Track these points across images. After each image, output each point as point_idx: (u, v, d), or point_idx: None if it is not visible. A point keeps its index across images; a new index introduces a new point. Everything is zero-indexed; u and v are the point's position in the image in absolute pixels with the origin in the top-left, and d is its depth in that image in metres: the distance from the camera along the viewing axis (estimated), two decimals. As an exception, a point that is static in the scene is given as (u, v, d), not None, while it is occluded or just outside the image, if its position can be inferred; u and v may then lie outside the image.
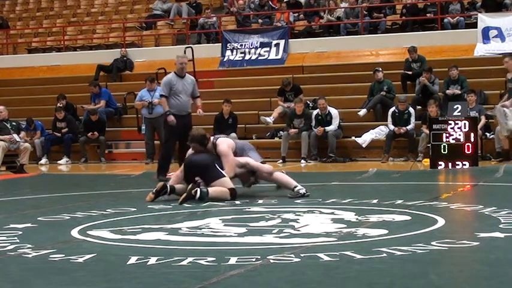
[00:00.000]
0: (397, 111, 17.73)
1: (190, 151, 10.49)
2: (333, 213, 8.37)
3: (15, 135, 16.75)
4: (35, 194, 11.63)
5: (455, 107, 15.36)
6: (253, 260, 5.75)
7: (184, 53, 21.42)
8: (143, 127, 18.89)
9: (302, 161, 17.66)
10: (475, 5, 22.59)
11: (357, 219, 7.90)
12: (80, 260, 5.96)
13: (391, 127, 17.62)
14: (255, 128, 19.63)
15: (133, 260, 5.87)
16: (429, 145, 14.99)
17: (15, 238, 7.13)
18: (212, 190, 9.84)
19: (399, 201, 9.27)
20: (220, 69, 23.13)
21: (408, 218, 7.93)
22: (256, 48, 23.09)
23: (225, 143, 10.36)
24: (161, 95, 13.27)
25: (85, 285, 5.21)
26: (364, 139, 18.04)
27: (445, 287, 5.00)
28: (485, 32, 20.87)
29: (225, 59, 23.26)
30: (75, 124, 20.53)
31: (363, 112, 18.75)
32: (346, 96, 19.96)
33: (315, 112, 18.27)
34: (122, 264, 5.78)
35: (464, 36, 21.22)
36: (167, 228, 7.51)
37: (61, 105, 20.72)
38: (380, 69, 19.27)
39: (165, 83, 13.02)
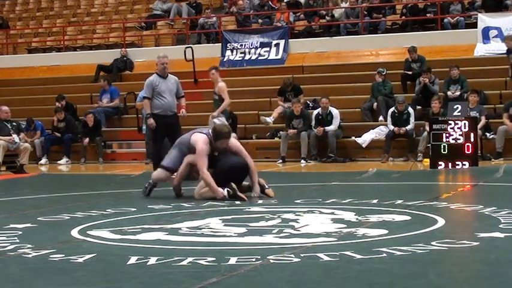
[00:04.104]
0: (396, 111, 17.74)
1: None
2: (333, 213, 8.36)
3: (14, 136, 16.75)
4: (35, 194, 11.62)
5: (455, 107, 15.35)
6: (253, 260, 5.75)
7: (185, 53, 21.47)
8: (144, 127, 18.88)
9: (302, 161, 17.66)
10: (474, 5, 22.58)
11: (356, 219, 7.89)
12: (80, 260, 5.96)
13: (391, 127, 17.62)
14: (255, 128, 19.63)
15: (133, 260, 5.87)
16: (429, 145, 14.99)
17: (15, 238, 7.12)
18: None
19: (399, 201, 9.26)
20: (220, 69, 23.08)
21: (408, 218, 7.93)
22: (256, 48, 23.09)
23: (235, 139, 10.66)
24: (144, 97, 13.19)
25: (85, 285, 5.21)
26: (364, 139, 18.05)
27: (445, 287, 5.00)
28: (485, 32, 20.88)
29: (225, 59, 23.26)
30: (75, 124, 20.56)
31: None
32: (346, 96, 19.96)
33: (315, 111, 18.28)
34: (122, 264, 5.77)
35: (464, 36, 21.22)
36: (167, 228, 7.51)
37: (60, 106, 20.74)
38: (383, 72, 19.21)
39: (147, 85, 12.95)
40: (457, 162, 14.33)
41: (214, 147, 10.16)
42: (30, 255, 6.22)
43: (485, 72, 19.68)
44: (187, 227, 7.58)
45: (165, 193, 10.98)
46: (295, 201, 9.66)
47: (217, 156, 10.24)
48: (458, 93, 18.22)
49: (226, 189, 9.95)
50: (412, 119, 17.60)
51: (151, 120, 12.83)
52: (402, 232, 6.92)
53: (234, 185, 9.93)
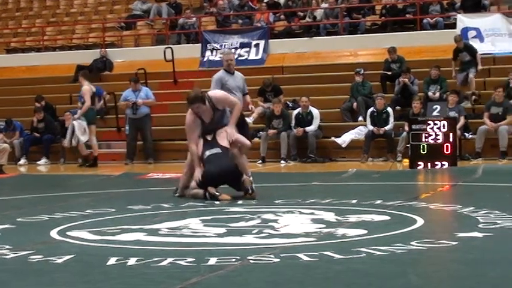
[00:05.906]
0: (375, 111, 17.77)
1: (201, 151, 10.30)
2: (312, 213, 8.37)
3: (-7, 136, 16.70)
4: (14, 195, 11.57)
5: (434, 107, 15.41)
6: (233, 260, 5.75)
7: (164, 54, 21.40)
8: (127, 127, 18.81)
9: (282, 161, 17.66)
10: (454, 6, 22.69)
11: (336, 219, 7.91)
12: (59, 261, 5.93)
13: (370, 127, 17.66)
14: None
15: (112, 260, 5.85)
16: (408, 145, 15.05)
17: (-6, 239, 7.09)
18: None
19: (378, 201, 9.29)
20: (200, 70, 23.07)
21: (387, 218, 7.96)
22: (236, 48, 23.05)
23: (217, 91, 10.88)
24: None
25: (64, 286, 5.19)
26: (344, 139, 18.07)
27: (424, 287, 5.02)
28: (464, 32, 20.93)
29: (205, 59, 23.22)
30: (54, 125, 20.46)
31: None
32: (326, 96, 19.98)
33: (295, 111, 18.28)
34: (101, 265, 5.76)
35: (444, 37, 21.25)
36: (147, 229, 7.49)
37: (40, 106, 20.65)
38: (361, 71, 19.30)
39: (216, 80, 12.36)
40: (436, 163, 14.39)
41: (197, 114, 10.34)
42: (8, 256, 6.19)
43: (464, 72, 19.73)
44: (166, 228, 7.57)
45: (144, 194, 10.97)
46: (275, 201, 9.67)
47: (208, 157, 10.20)
48: (438, 93, 18.28)
49: (207, 193, 9.95)
50: (391, 119, 17.65)
51: None
52: (381, 232, 6.94)
53: (213, 191, 9.93)
